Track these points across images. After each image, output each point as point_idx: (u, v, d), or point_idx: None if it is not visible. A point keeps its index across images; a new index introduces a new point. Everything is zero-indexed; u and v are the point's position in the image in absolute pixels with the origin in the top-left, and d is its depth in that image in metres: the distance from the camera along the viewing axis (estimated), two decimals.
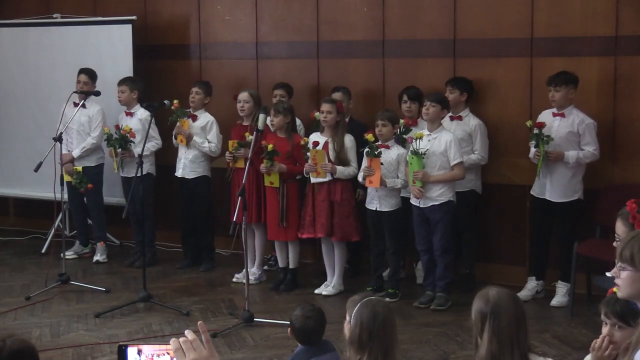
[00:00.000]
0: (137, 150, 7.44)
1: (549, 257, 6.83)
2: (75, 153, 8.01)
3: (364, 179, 6.75)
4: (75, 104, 7.85)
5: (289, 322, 4.29)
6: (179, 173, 7.82)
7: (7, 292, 7.25)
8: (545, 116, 6.67)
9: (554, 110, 6.64)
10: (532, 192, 6.82)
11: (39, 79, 8.80)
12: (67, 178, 7.89)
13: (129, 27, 8.32)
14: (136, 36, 8.35)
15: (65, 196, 7.54)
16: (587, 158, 6.57)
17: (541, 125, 6.54)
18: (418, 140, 6.52)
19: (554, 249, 6.81)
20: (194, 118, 7.69)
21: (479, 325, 3.08)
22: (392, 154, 6.75)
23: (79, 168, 7.89)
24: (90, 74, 8.00)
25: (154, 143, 7.91)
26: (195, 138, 7.64)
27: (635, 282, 2.85)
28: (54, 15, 8.85)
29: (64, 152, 7.95)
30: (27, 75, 8.88)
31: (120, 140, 7.72)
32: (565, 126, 6.56)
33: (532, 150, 6.68)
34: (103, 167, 8.20)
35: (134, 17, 8.34)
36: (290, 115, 7.14)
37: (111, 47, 8.47)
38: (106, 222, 8.32)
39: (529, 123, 6.65)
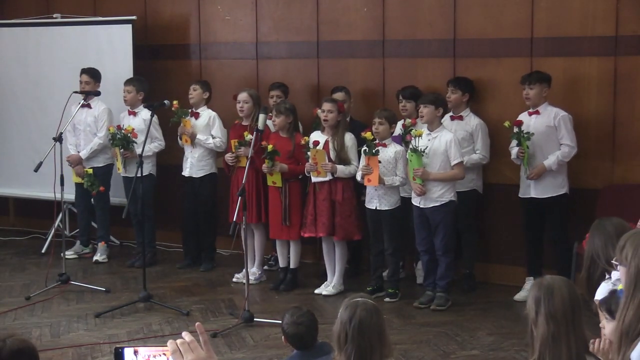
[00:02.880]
0: (140, 150, 7.42)
1: (547, 257, 6.83)
2: (83, 154, 8.02)
3: (362, 177, 6.76)
4: (82, 106, 7.87)
5: (281, 329, 4.25)
6: (186, 172, 7.81)
7: (7, 292, 7.25)
8: (522, 117, 6.73)
9: (530, 109, 6.70)
10: (520, 195, 6.85)
11: (39, 79, 8.79)
12: (76, 179, 7.91)
13: (129, 27, 8.31)
14: (136, 36, 8.35)
15: (66, 196, 7.54)
16: (566, 157, 6.62)
17: (520, 123, 6.61)
18: (417, 137, 6.53)
19: (551, 249, 6.81)
20: (196, 116, 7.69)
21: (534, 310, 3.02)
22: (389, 152, 6.76)
23: (90, 170, 7.88)
24: (91, 74, 8.01)
25: (157, 144, 7.91)
26: (199, 136, 7.64)
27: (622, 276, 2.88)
28: (54, 15, 8.85)
29: (72, 152, 7.98)
30: (27, 75, 8.88)
31: (122, 141, 7.71)
32: (541, 122, 6.64)
33: (514, 151, 6.72)
34: (112, 167, 8.21)
35: (134, 17, 8.34)
36: (292, 116, 7.14)
37: (111, 47, 8.47)
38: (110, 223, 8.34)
39: (507, 123, 6.69)
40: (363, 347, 3.28)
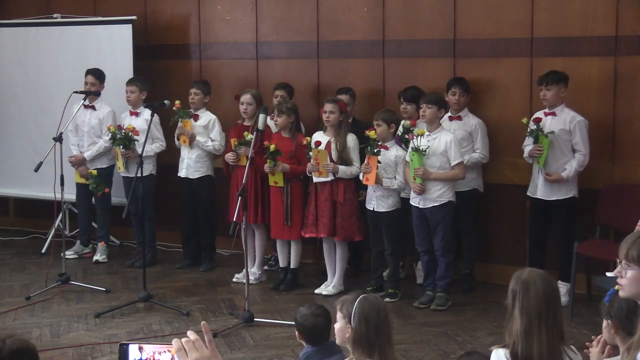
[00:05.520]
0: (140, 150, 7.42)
1: (548, 257, 6.83)
2: (88, 155, 8.02)
3: (362, 176, 6.76)
4: (85, 107, 7.86)
5: (295, 324, 4.18)
6: (182, 173, 7.81)
7: (7, 292, 7.25)
8: (538, 116, 6.69)
9: (546, 110, 6.66)
10: (528, 193, 6.84)
11: (39, 79, 8.79)
12: (79, 180, 7.92)
13: (129, 27, 8.31)
14: (136, 36, 8.35)
15: (66, 196, 7.54)
16: (581, 166, 6.58)
17: (539, 120, 6.57)
18: (419, 137, 6.53)
19: (553, 249, 6.81)
20: (196, 117, 7.69)
21: (510, 302, 3.16)
22: (390, 154, 6.76)
23: (94, 171, 7.88)
24: (97, 75, 7.98)
25: (159, 144, 7.92)
26: (198, 138, 7.63)
27: (639, 282, 2.87)
28: (54, 15, 8.84)
29: (74, 153, 7.98)
30: (27, 75, 8.88)
31: (124, 140, 7.71)
32: (557, 124, 6.58)
33: (527, 149, 6.69)
34: (114, 168, 8.21)
35: (134, 17, 8.34)
36: (294, 115, 7.14)
37: (111, 47, 8.47)
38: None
39: (525, 120, 6.66)
40: (391, 336, 3.29)
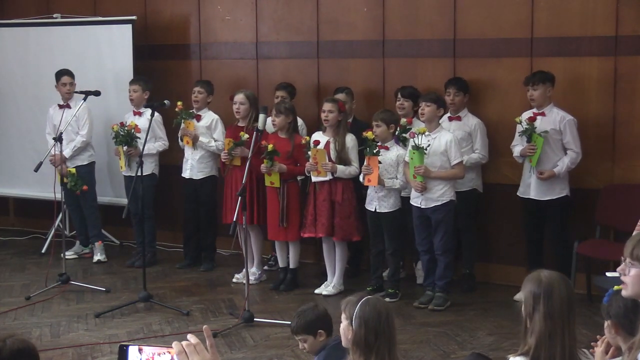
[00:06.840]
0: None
1: (547, 257, 6.83)
2: (67, 153, 7.97)
3: (363, 178, 6.76)
4: (60, 106, 7.87)
5: (312, 328, 4.20)
6: (186, 174, 7.80)
7: (7, 292, 7.25)
8: (527, 116, 6.69)
9: (534, 110, 6.67)
10: (518, 194, 6.84)
11: (39, 79, 8.78)
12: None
13: (129, 27, 8.31)
14: (136, 36, 8.35)
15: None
16: (574, 163, 6.60)
17: (534, 119, 6.58)
18: (420, 135, 6.52)
19: (552, 249, 6.81)
20: (198, 118, 7.68)
21: (531, 306, 3.07)
22: (391, 154, 6.76)
23: (73, 170, 7.86)
24: (71, 74, 8.04)
25: (161, 143, 7.92)
26: (201, 138, 7.62)
27: None
28: (54, 15, 8.85)
29: (54, 153, 7.95)
30: (27, 75, 8.88)
31: (126, 137, 7.70)
32: (547, 124, 6.60)
33: (517, 149, 6.69)
34: (94, 165, 8.20)
35: (134, 17, 8.34)
36: (292, 116, 7.14)
37: (111, 47, 8.47)
38: (105, 222, 8.32)
39: (518, 119, 6.66)
40: (392, 341, 3.27)
